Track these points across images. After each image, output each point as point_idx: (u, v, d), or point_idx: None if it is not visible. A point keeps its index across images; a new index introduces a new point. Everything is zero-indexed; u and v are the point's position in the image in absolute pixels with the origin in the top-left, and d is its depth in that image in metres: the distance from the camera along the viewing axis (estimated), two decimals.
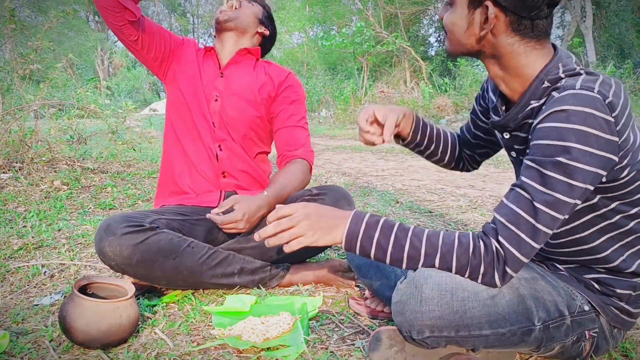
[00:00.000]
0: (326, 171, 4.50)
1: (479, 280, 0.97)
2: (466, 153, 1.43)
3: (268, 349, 1.21)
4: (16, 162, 3.66)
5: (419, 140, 1.35)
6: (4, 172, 3.49)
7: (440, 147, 1.39)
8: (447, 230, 1.03)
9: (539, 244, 0.93)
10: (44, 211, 2.69)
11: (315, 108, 13.63)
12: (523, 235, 0.93)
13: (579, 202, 0.92)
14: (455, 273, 0.98)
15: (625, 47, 14.90)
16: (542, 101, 0.99)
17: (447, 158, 1.42)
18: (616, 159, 0.91)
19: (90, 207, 2.86)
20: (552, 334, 1.03)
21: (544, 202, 0.91)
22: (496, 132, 1.17)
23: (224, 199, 1.73)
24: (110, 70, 26.51)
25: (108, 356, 1.19)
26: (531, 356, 1.16)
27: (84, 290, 1.30)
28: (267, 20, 1.86)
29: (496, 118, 1.12)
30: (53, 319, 1.39)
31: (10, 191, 3.10)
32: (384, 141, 1.21)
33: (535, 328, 1.00)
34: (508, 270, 0.95)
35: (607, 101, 0.89)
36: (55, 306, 1.50)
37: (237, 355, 1.20)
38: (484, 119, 1.31)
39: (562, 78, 0.97)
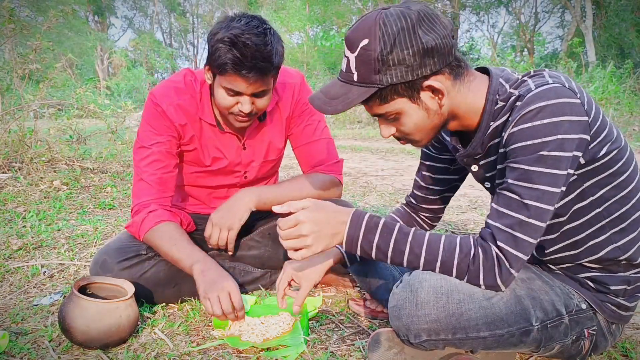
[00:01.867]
0: None
1: (482, 286, 0.98)
2: (425, 211, 1.39)
3: (268, 349, 1.21)
4: (15, 162, 3.66)
5: (360, 258, 1.32)
6: (3, 172, 3.49)
7: None
8: (448, 233, 1.03)
9: (535, 238, 0.94)
10: (44, 211, 2.69)
11: None
12: (519, 235, 0.94)
13: (564, 188, 0.95)
14: (456, 277, 0.99)
15: (625, 47, 14.91)
16: (505, 117, 1.00)
17: None
18: (588, 137, 0.94)
19: (89, 207, 2.86)
20: (551, 333, 1.03)
21: (533, 197, 0.92)
22: (466, 167, 1.17)
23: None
24: (109, 70, 26.49)
25: (107, 356, 1.19)
26: (531, 356, 1.16)
27: (83, 290, 1.30)
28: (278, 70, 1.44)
29: (460, 152, 1.13)
30: (52, 319, 1.39)
31: (9, 191, 3.10)
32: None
33: (533, 328, 1.00)
34: (512, 271, 0.95)
35: (567, 86, 0.93)
36: (55, 306, 1.49)
37: (236, 356, 1.20)
38: (441, 157, 1.30)
39: (513, 92, 0.99)
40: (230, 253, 1.53)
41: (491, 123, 1.03)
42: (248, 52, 1.25)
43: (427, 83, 0.96)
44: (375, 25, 0.93)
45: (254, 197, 1.49)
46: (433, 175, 1.33)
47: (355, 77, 0.97)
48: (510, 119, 0.96)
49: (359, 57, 0.95)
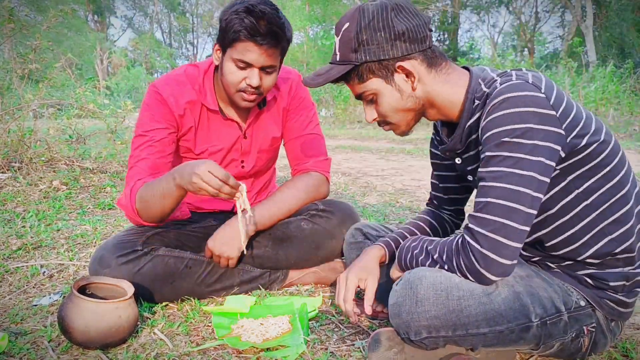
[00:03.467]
0: None
1: (469, 278, 0.99)
2: (447, 210, 1.41)
3: (268, 349, 1.21)
4: (15, 162, 3.66)
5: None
6: (2, 172, 3.49)
7: None
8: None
9: (506, 218, 0.93)
10: (43, 211, 2.68)
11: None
12: (486, 216, 0.94)
13: (533, 174, 0.93)
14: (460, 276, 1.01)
15: (625, 47, 14.91)
16: (477, 115, 1.06)
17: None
18: (561, 131, 0.96)
19: (89, 207, 2.86)
20: (550, 330, 1.03)
21: (494, 179, 0.95)
22: (450, 159, 1.23)
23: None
24: (109, 70, 26.49)
25: (107, 356, 1.19)
26: (531, 355, 1.16)
27: (83, 290, 1.29)
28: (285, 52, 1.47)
29: (441, 145, 1.20)
30: (52, 319, 1.39)
31: (9, 191, 3.10)
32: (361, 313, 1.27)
33: (532, 324, 1.01)
34: (487, 253, 0.94)
35: (530, 81, 0.98)
36: (54, 306, 1.49)
37: (236, 356, 1.19)
38: (446, 161, 1.32)
39: (486, 91, 1.05)
40: (232, 267, 1.54)
41: (469, 120, 1.09)
42: (264, 18, 1.33)
43: (399, 64, 1.05)
44: (355, 12, 1.07)
45: (251, 224, 1.51)
46: (444, 173, 1.36)
47: (337, 57, 1.10)
48: (481, 115, 1.02)
49: (341, 40, 1.08)
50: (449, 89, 1.09)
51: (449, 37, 24.30)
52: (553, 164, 0.96)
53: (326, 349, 1.22)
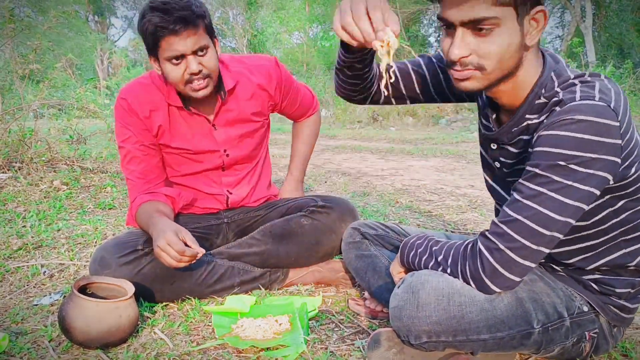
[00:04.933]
0: (326, 171, 4.49)
1: (472, 285, 0.98)
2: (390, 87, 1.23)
3: (268, 348, 1.21)
4: (15, 162, 3.66)
5: (369, 62, 1.13)
6: (3, 172, 3.49)
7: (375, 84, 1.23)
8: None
9: (527, 239, 0.90)
10: (44, 211, 2.69)
11: None
12: (509, 231, 0.91)
13: (577, 203, 0.88)
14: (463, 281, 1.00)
15: (625, 47, 14.90)
16: (542, 117, 0.95)
17: (372, 94, 1.25)
18: (619, 160, 0.89)
19: (89, 207, 2.86)
20: (552, 336, 1.02)
21: (532, 199, 0.90)
22: (484, 143, 1.13)
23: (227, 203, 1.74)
24: (109, 70, 26.48)
25: (107, 356, 1.19)
26: (530, 357, 1.16)
27: (83, 290, 1.30)
28: (211, 27, 1.48)
29: (485, 131, 1.10)
30: (52, 319, 1.39)
31: (9, 191, 3.10)
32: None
33: (534, 331, 1.00)
34: (497, 266, 0.93)
35: (611, 106, 0.88)
36: (55, 306, 1.49)
37: (236, 355, 1.20)
38: (445, 83, 1.20)
39: (559, 92, 0.94)
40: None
41: (527, 115, 0.99)
42: (167, 7, 1.34)
43: (540, 8, 0.90)
44: None
45: (299, 185, 1.91)
46: (423, 72, 1.21)
47: None
48: (545, 121, 0.92)
49: None
50: (531, 66, 0.96)
51: None
52: (599, 192, 0.90)
53: (326, 348, 1.22)
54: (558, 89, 0.94)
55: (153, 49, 1.41)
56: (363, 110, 10.72)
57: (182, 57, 1.39)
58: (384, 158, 5.64)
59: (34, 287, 1.68)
